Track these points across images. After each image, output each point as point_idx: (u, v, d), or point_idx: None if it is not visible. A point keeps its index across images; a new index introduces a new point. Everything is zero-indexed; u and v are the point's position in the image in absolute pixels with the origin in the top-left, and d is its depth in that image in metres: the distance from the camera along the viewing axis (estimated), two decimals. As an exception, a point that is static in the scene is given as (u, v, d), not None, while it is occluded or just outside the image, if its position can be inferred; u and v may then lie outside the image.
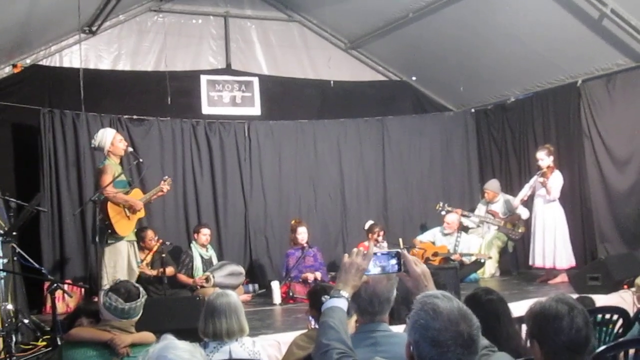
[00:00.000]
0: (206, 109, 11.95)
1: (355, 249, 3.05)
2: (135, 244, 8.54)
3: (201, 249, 10.36)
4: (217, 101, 12.07)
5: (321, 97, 12.85)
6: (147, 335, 4.60)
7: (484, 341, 2.85)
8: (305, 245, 10.13)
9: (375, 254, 3.05)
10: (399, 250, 3.12)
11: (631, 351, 4.36)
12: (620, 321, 5.56)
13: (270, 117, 12.25)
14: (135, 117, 11.03)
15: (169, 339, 2.45)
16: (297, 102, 12.62)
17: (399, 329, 3.38)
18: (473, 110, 13.38)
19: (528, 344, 3.02)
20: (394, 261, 3.08)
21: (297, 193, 12.14)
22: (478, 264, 10.85)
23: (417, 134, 13.01)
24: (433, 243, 11.16)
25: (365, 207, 12.32)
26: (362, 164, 12.65)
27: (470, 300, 4.01)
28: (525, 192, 10.38)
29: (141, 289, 4.66)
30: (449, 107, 13.64)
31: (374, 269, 3.07)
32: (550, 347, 2.85)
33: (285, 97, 12.54)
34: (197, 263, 10.24)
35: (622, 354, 4.22)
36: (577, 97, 11.13)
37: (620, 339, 5.04)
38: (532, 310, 2.96)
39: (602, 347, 4.14)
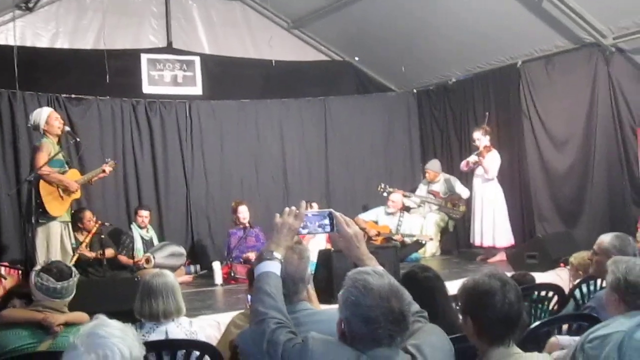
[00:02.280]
0: (147, 89, 11.76)
1: (287, 209, 3.03)
2: (70, 225, 8.38)
3: (142, 230, 10.26)
4: (158, 80, 11.89)
5: (263, 77, 12.74)
6: (81, 315, 4.51)
7: (414, 306, 2.85)
8: (247, 225, 10.10)
9: (307, 214, 3.04)
10: (331, 210, 3.10)
11: (564, 327, 4.44)
12: (556, 298, 5.65)
13: (212, 97, 12.13)
14: (73, 96, 10.81)
15: (101, 318, 2.41)
16: (239, 81, 12.49)
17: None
18: (415, 90, 13.45)
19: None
20: (326, 221, 3.07)
21: (239, 173, 12.07)
22: (419, 244, 10.94)
23: (359, 114, 13.02)
24: (376, 222, 11.21)
25: (307, 187, 12.31)
26: (304, 144, 12.64)
27: (407, 277, 4.02)
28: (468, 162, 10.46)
29: (73, 268, 4.57)
30: (392, 87, 13.68)
31: (305, 229, 3.06)
32: (483, 322, 2.86)
33: (227, 76, 12.40)
34: (138, 244, 10.14)
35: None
36: (517, 78, 11.24)
37: (554, 315, 5.14)
38: (465, 286, 2.98)
39: (537, 323, 4.21)
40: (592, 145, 10.54)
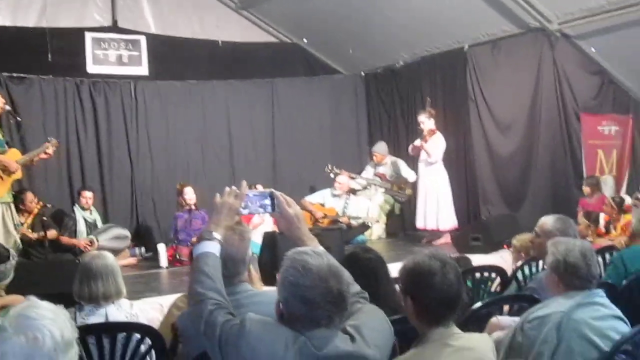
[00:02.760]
0: (91, 68, 11.52)
1: (227, 188, 2.99)
2: (12, 205, 8.21)
3: (85, 212, 10.09)
4: (103, 60, 11.67)
5: (210, 58, 12.58)
6: (17, 298, 4.41)
7: (355, 287, 2.84)
8: (193, 207, 10.00)
9: (248, 194, 3.00)
10: (272, 190, 3.07)
11: (505, 308, 4.48)
12: (498, 279, 5.72)
13: (158, 77, 11.95)
14: (15, 74, 10.53)
15: (32, 300, 2.34)
16: (185, 62, 12.32)
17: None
18: (363, 73, 13.44)
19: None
20: (267, 202, 3.04)
21: (185, 155, 11.94)
22: (365, 227, 10.96)
23: (307, 97, 12.98)
24: (322, 205, 11.20)
25: (254, 169, 12.21)
26: (251, 126, 12.54)
27: (349, 258, 4.01)
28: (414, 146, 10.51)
29: (12, 251, 4.47)
30: (340, 70, 13.65)
31: (246, 209, 3.03)
32: (423, 302, 2.86)
33: (173, 57, 12.22)
34: (81, 226, 9.99)
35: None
36: (464, 62, 11.30)
37: (496, 297, 5.18)
38: (406, 266, 2.97)
39: (478, 304, 4.22)
40: (537, 130, 10.70)
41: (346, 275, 2.53)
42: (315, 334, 2.44)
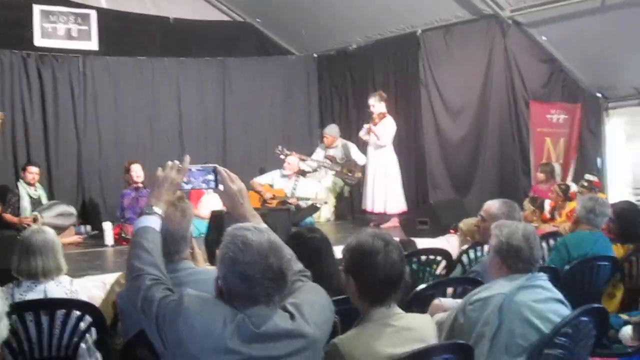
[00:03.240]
0: (39, 41, 11.27)
1: (169, 162, 2.94)
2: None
3: (29, 188, 9.89)
4: (51, 33, 11.41)
5: (162, 35, 12.40)
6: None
7: (297, 265, 2.82)
8: (140, 185, 9.87)
9: (190, 169, 2.96)
10: (215, 165, 3.03)
11: (449, 290, 4.50)
12: (444, 263, 5.75)
13: (108, 53, 11.73)
14: (-42, 47, 10.30)
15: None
16: (136, 38, 12.15)
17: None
18: (315, 55, 13.38)
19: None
20: (210, 177, 3.00)
21: (133, 132, 11.77)
22: (314, 208, 10.93)
23: (258, 77, 12.86)
24: (271, 186, 11.14)
25: (204, 149, 12.09)
26: (202, 104, 12.41)
27: (294, 238, 3.99)
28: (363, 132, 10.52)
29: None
30: (292, 51, 13.57)
31: (189, 184, 2.98)
32: (365, 281, 2.85)
33: (124, 32, 12.02)
34: (25, 203, 9.77)
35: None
36: (417, 46, 11.34)
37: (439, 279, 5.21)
38: (349, 245, 2.95)
39: (422, 286, 4.24)
40: (486, 116, 10.78)
41: (287, 252, 2.50)
42: (254, 312, 2.41)
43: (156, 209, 2.84)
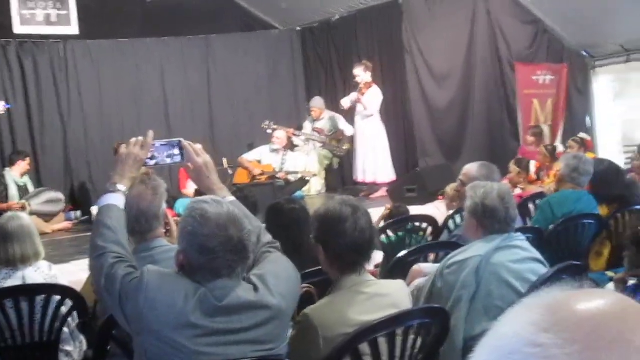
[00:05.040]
0: (18, 29, 11.09)
1: (133, 139, 2.90)
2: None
3: (15, 176, 9.82)
4: (30, 20, 11.24)
5: (143, 15, 12.26)
6: None
7: (266, 237, 2.78)
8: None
9: (154, 144, 2.92)
10: (180, 139, 2.99)
11: (431, 256, 4.47)
12: (430, 229, 5.72)
13: (89, 37, 11.59)
14: (-64, 36, 10.20)
15: None
16: (117, 20, 12.00)
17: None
18: (299, 28, 13.26)
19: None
20: (175, 151, 2.96)
21: (119, 115, 11.68)
22: (303, 181, 10.89)
23: (243, 53, 12.75)
24: (259, 162, 11.09)
25: (190, 128, 11.99)
26: (186, 83, 12.30)
27: (272, 209, 3.96)
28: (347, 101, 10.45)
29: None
30: (276, 25, 13.46)
31: (153, 160, 2.94)
32: (334, 249, 2.82)
33: (104, 15, 11.84)
34: (12, 191, 9.70)
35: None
36: (399, 14, 11.23)
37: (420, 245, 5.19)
38: (317, 213, 2.93)
39: (403, 252, 4.22)
40: (472, 81, 10.73)
41: (247, 223, 2.46)
42: (217, 285, 2.38)
43: (120, 187, 2.81)
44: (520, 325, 0.76)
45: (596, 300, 0.76)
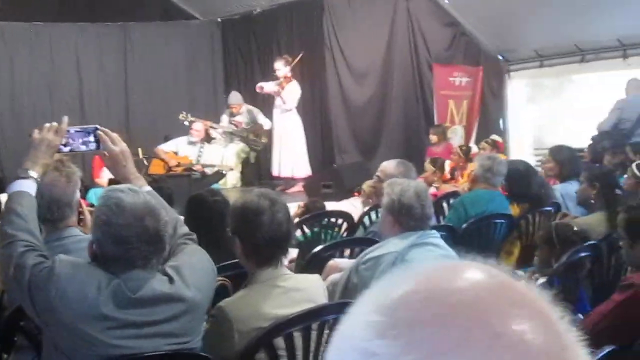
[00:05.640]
0: None
1: (47, 124, 2.82)
2: None
3: None
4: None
5: (60, 0, 12.01)
6: None
7: (183, 228, 2.75)
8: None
9: (69, 130, 2.84)
10: (97, 126, 2.92)
11: (347, 251, 4.49)
12: (346, 225, 5.75)
13: (3, 19, 11.25)
14: None
15: None
16: (32, 2, 11.70)
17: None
18: (219, 19, 13.15)
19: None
20: (91, 138, 2.89)
21: (31, 101, 11.38)
22: (220, 175, 10.80)
23: (162, 42, 12.58)
24: (176, 153, 10.94)
25: (106, 117, 11.72)
26: (102, 71, 12.06)
27: (195, 201, 3.92)
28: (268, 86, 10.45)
29: None
30: (196, 15, 13.31)
31: (68, 146, 2.87)
32: (251, 241, 2.80)
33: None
34: None
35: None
36: (321, 10, 11.26)
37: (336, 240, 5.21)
38: (234, 205, 2.90)
39: (319, 247, 4.23)
40: (391, 79, 10.83)
41: (164, 214, 2.42)
42: (131, 276, 2.33)
43: (32, 173, 2.72)
44: (357, 327, 0.65)
45: (450, 286, 0.64)
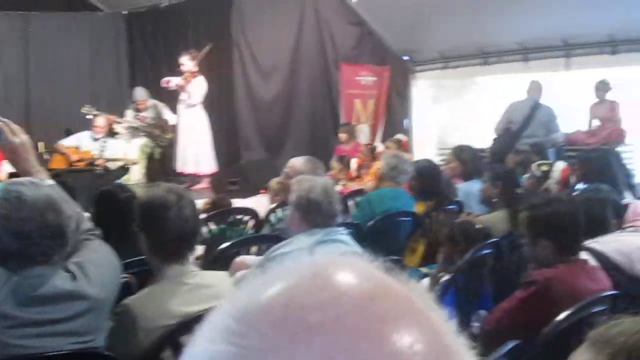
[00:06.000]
0: None
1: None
2: None
3: None
4: None
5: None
6: None
7: (86, 224, 2.67)
8: None
9: None
10: None
11: (253, 248, 4.48)
12: (252, 222, 5.72)
13: None
14: None
15: None
16: None
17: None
18: (125, 12, 12.90)
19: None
20: None
21: None
22: (124, 169, 10.59)
23: (65, 33, 12.27)
24: (78, 148, 10.67)
25: (4, 108, 11.31)
26: (1, 62, 11.68)
27: (104, 196, 3.83)
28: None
29: None
30: (100, 7, 13.02)
31: None
32: (158, 237, 2.75)
33: None
34: None
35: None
36: (229, 6, 11.21)
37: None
38: (140, 200, 2.84)
39: (226, 244, 4.20)
40: (298, 77, 10.87)
41: (67, 208, 2.35)
42: (31, 273, 2.25)
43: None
44: (213, 328, 0.60)
45: (313, 300, 0.56)
